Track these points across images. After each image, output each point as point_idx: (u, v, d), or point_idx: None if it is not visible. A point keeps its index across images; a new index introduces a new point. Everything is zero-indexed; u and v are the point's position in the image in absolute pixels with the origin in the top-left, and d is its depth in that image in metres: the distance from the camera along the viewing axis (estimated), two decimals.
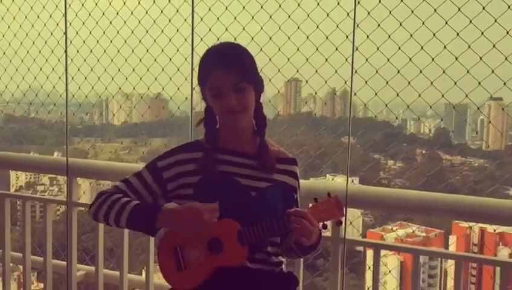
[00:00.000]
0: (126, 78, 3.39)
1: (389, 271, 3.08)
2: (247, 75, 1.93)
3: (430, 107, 3.15)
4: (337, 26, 2.82)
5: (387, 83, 2.87)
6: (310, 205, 1.97)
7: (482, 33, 2.57)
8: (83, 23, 3.47)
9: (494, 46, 2.54)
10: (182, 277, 1.99)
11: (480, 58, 2.58)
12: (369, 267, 3.20)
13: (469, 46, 2.60)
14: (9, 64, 3.93)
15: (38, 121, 6.89)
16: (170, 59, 3.20)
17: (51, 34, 3.60)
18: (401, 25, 2.72)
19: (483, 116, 6.39)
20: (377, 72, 2.87)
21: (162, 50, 3.26)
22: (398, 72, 2.81)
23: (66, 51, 3.08)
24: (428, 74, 2.82)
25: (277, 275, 2.07)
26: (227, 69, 1.91)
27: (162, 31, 3.23)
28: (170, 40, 3.19)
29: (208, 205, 1.88)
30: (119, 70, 3.40)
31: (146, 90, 3.60)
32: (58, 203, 3.42)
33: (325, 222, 1.98)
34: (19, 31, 3.90)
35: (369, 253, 2.96)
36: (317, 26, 2.94)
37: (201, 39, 3.00)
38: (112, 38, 3.38)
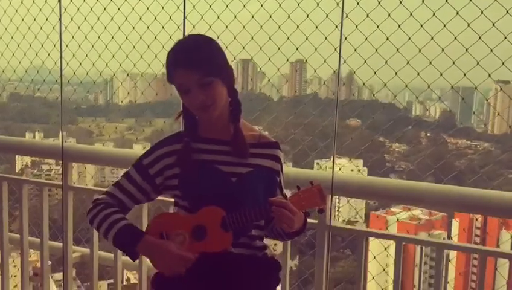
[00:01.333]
0: (120, 65, 3.43)
1: (374, 257, 3.10)
2: (210, 70, 1.94)
3: (415, 97, 3.16)
4: (327, 16, 2.84)
5: (375, 73, 2.90)
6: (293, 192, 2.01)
7: (469, 25, 2.58)
8: (78, 9, 3.51)
9: (480, 37, 2.56)
10: None
11: (466, 50, 2.59)
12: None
13: (455, 38, 2.61)
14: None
15: (42, 100, 6.91)
16: (163, 46, 3.23)
17: (47, 19, 3.63)
18: (389, 15, 2.73)
19: (489, 100, 6.36)
20: (365, 62, 2.90)
21: (155, 37, 3.30)
22: (386, 62, 2.82)
23: (60, 38, 3.12)
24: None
25: (259, 259, 2.11)
26: (189, 67, 1.93)
27: (155, 18, 3.27)
28: (163, 27, 3.23)
29: (185, 254, 1.94)
30: (113, 56, 3.44)
31: (140, 77, 3.64)
32: (53, 187, 3.48)
33: (307, 210, 2.03)
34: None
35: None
36: (307, 16, 2.94)
37: (194, 26, 3.03)
38: (107, 24, 3.42)
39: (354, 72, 2.91)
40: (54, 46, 3.49)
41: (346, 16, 2.70)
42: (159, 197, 2.97)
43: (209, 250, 1.97)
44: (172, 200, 2.17)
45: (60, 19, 3.09)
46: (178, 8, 2.94)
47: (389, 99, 6.06)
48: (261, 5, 3.00)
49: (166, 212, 2.82)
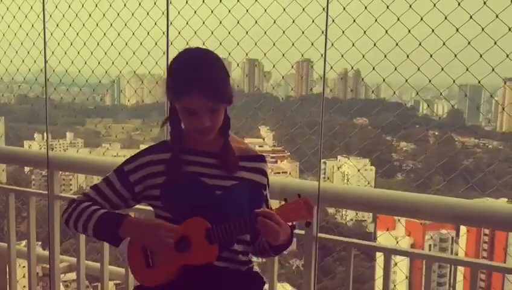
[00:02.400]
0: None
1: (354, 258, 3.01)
2: (223, 98, 1.91)
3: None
4: (313, 21, 2.77)
5: (363, 79, 2.83)
6: (279, 204, 1.97)
7: (458, 30, 2.51)
8: (63, 16, 3.47)
9: (469, 42, 2.47)
10: (149, 274, 2.00)
11: (455, 56, 2.51)
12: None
13: (444, 44, 2.54)
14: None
15: (49, 101, 6.94)
16: (149, 53, 3.20)
17: (30, 21, 3.59)
18: (376, 20, 2.66)
19: (498, 98, 6.28)
20: (352, 68, 2.84)
21: (141, 43, 3.26)
22: (373, 68, 2.76)
23: (44, 41, 3.09)
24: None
25: (243, 274, 2.07)
26: (205, 95, 1.86)
27: (140, 24, 3.22)
28: (148, 33, 3.18)
29: (169, 224, 1.92)
30: (100, 62, 3.41)
31: (129, 80, 3.61)
32: (39, 196, 3.44)
33: (293, 223, 1.98)
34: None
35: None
36: (293, 21, 2.88)
37: (179, 33, 2.99)
38: (92, 30, 3.39)
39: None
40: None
41: (333, 21, 2.64)
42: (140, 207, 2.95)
43: (193, 262, 1.94)
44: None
45: (44, 25, 3.06)
46: (163, 13, 2.90)
47: (395, 98, 6.02)
48: (247, 10, 2.95)
49: None
